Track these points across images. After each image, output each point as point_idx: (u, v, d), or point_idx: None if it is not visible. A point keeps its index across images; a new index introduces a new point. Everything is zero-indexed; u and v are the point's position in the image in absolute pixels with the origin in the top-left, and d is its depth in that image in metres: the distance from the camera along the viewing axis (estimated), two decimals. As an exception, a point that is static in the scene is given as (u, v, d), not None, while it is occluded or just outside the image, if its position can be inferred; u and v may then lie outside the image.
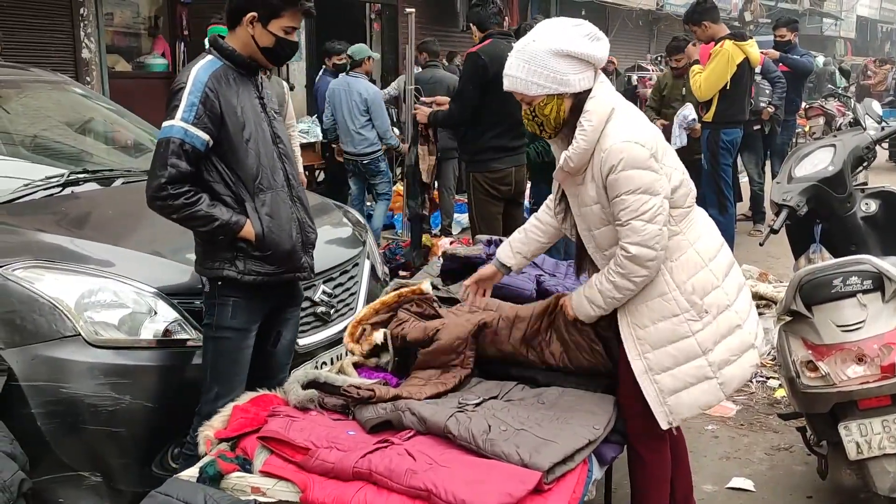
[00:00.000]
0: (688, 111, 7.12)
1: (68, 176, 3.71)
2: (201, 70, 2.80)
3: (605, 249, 2.68)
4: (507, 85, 2.64)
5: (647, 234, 2.52)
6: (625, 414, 2.76)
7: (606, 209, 2.59)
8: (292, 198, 3.01)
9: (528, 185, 5.72)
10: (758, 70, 8.25)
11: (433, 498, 2.18)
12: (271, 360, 3.13)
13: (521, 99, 2.63)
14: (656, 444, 2.83)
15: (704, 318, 2.62)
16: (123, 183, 3.89)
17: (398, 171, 8.78)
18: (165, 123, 2.75)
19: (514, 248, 3.01)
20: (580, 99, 2.58)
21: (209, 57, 2.87)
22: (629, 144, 2.51)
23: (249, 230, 2.84)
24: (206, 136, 2.76)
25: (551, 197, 2.95)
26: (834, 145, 3.70)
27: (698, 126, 7.15)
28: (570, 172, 2.64)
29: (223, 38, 2.92)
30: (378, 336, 3.19)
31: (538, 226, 3.00)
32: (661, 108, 7.73)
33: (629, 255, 2.55)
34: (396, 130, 8.24)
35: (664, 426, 2.67)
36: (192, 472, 2.47)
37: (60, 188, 3.64)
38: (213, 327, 2.91)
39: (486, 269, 3.06)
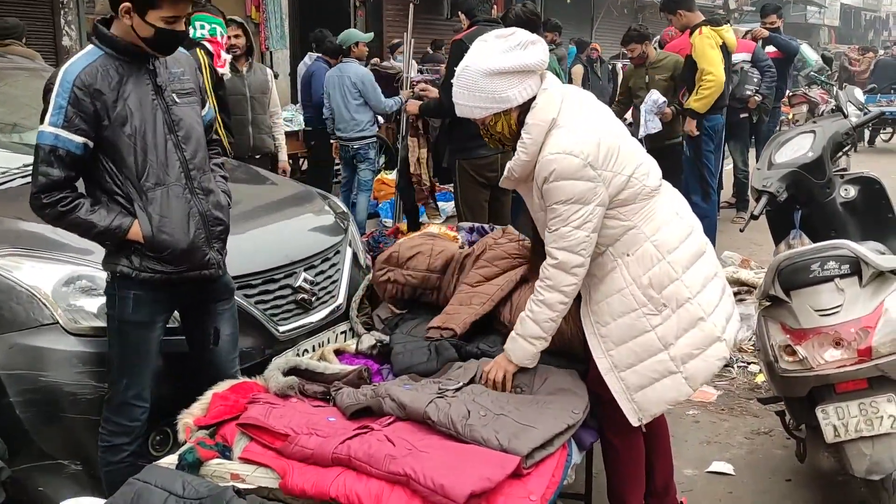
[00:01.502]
0: (655, 96, 7.12)
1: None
2: (71, 67, 2.60)
3: None
4: (458, 112, 2.72)
5: (574, 240, 2.54)
6: (594, 404, 2.75)
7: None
8: (192, 190, 2.79)
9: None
10: (748, 58, 8.30)
11: (412, 483, 2.18)
12: (216, 357, 3.00)
13: (474, 121, 2.70)
14: (626, 432, 2.83)
15: (663, 312, 2.61)
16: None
17: (383, 159, 8.77)
18: (39, 128, 2.60)
19: None
20: (526, 108, 2.61)
21: (89, 47, 2.68)
22: (561, 156, 2.53)
23: (137, 232, 2.69)
24: (80, 139, 2.58)
25: None
26: (814, 131, 3.71)
27: (668, 110, 7.15)
28: (516, 180, 2.69)
29: (110, 22, 2.69)
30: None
31: None
32: (630, 100, 7.74)
33: (556, 262, 2.58)
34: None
35: (634, 423, 2.67)
36: (171, 460, 2.47)
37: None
38: (115, 320, 2.78)
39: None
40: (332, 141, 7.76)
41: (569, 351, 2.93)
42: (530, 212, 2.81)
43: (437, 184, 6.07)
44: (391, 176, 8.31)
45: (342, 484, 2.26)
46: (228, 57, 5.92)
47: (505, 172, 2.71)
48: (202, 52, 5.20)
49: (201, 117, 2.92)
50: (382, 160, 8.83)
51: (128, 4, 2.58)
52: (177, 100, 2.79)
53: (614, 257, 2.66)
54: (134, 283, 2.74)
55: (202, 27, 5.64)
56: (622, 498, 2.95)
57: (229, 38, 5.91)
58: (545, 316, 2.63)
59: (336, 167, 8.49)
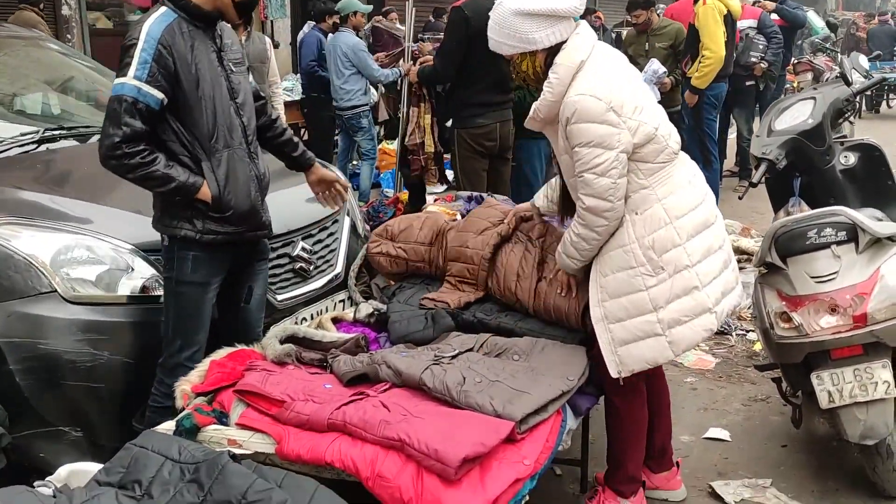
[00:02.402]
0: (656, 66, 7.07)
1: (43, 132, 3.68)
2: (154, 24, 2.69)
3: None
4: (490, 46, 2.77)
5: (600, 187, 2.57)
6: (599, 365, 2.79)
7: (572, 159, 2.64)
8: (250, 154, 2.93)
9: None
10: (754, 24, 8.21)
11: (406, 448, 2.20)
12: (245, 316, 3.11)
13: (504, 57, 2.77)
14: (631, 395, 2.87)
15: (659, 275, 2.63)
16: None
17: (380, 129, 8.74)
18: (117, 81, 2.65)
19: (543, 192, 3.18)
20: (553, 52, 2.62)
21: (163, 9, 2.76)
22: (584, 98, 2.54)
23: (206, 192, 2.78)
24: (160, 95, 2.67)
25: None
26: (814, 98, 3.69)
27: (668, 80, 7.12)
28: (541, 121, 2.71)
29: None
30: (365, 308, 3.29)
31: None
32: None
33: (586, 207, 2.62)
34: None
35: (614, 374, 2.71)
36: (168, 426, 2.50)
37: (36, 145, 3.61)
38: (173, 281, 2.86)
39: (522, 205, 3.31)
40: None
41: (566, 325, 2.95)
42: (556, 156, 2.84)
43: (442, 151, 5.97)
44: (392, 146, 8.29)
45: (337, 449, 2.28)
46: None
47: (530, 113, 2.73)
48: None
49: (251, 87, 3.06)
50: (380, 130, 8.80)
51: None
52: (233, 68, 2.92)
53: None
54: (195, 244, 2.83)
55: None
56: (621, 461, 2.97)
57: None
58: (581, 246, 2.71)
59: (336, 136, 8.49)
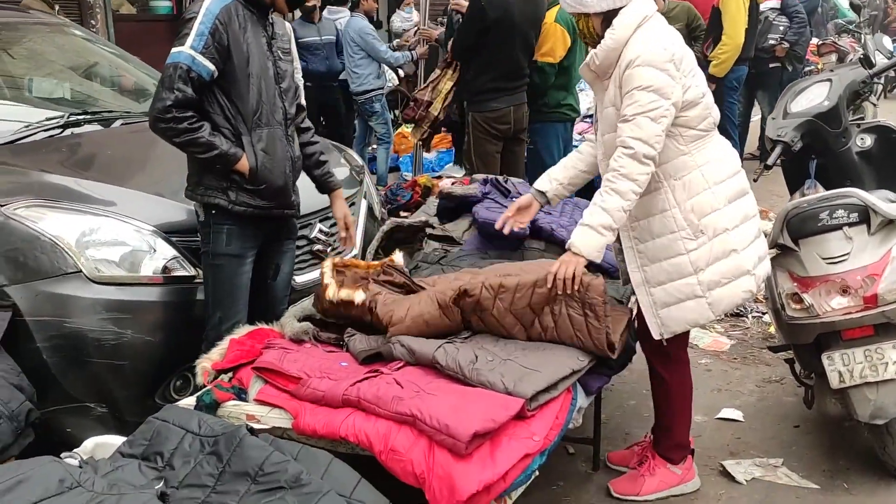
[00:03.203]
0: None
1: (68, 117, 3.76)
2: (214, 2, 2.87)
3: (609, 157, 2.72)
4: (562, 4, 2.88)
5: (651, 132, 2.61)
6: (641, 336, 2.93)
7: (619, 109, 2.70)
8: (287, 137, 3.09)
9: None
10: (777, 6, 8.14)
11: (418, 423, 2.26)
12: (271, 292, 3.25)
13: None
14: (675, 365, 2.99)
15: (700, 239, 2.74)
16: (123, 124, 3.94)
17: (398, 112, 8.79)
18: (174, 49, 2.83)
19: (551, 175, 3.06)
20: (608, 18, 2.72)
21: None
22: (651, 44, 2.65)
23: (244, 164, 2.94)
24: (212, 67, 2.84)
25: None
26: (830, 80, 3.68)
27: None
28: (595, 71, 2.78)
29: None
30: (359, 296, 3.20)
31: (579, 155, 3.09)
32: None
33: (631, 152, 2.62)
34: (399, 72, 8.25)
35: (656, 336, 2.82)
36: (189, 401, 2.58)
37: (61, 129, 3.69)
38: (210, 255, 3.02)
39: (522, 199, 3.08)
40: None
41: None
42: (597, 112, 2.89)
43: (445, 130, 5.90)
44: (410, 129, 8.33)
45: (351, 424, 2.35)
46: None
47: (587, 59, 2.80)
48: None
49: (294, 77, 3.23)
50: (398, 112, 8.85)
51: None
52: (281, 56, 3.11)
53: (661, 179, 2.76)
54: (229, 216, 2.99)
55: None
56: (669, 427, 3.06)
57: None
58: (617, 204, 2.63)
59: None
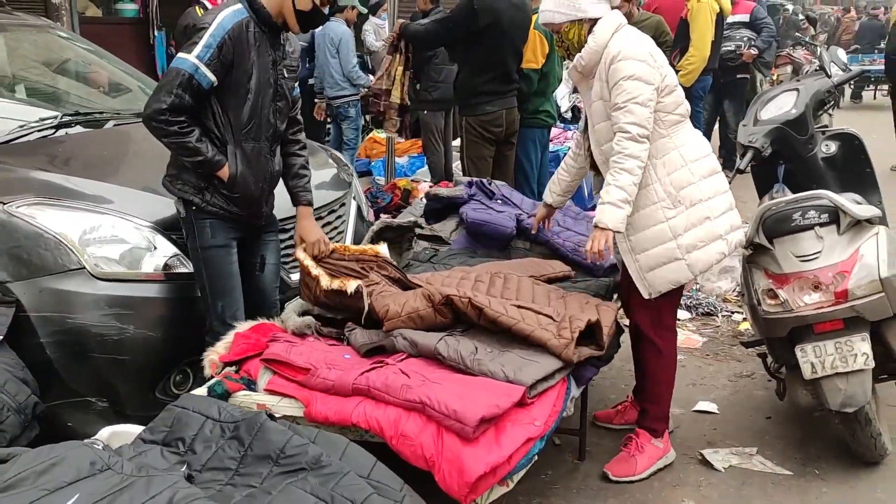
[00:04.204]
0: None
1: (62, 118, 3.80)
2: (227, 17, 2.95)
3: (602, 144, 3.16)
4: (540, 20, 3.23)
5: (642, 115, 2.98)
6: (633, 310, 3.29)
7: (607, 102, 3.05)
8: (271, 153, 3.19)
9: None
10: (746, 19, 8.42)
11: (427, 409, 2.38)
12: (261, 285, 3.33)
13: (552, 30, 3.23)
14: (665, 331, 3.30)
15: (678, 208, 3.08)
16: (115, 125, 3.99)
17: (368, 118, 8.86)
18: (181, 55, 2.91)
19: (550, 189, 3.63)
20: (594, 24, 3.09)
21: (238, 6, 2.99)
22: (630, 42, 3.04)
23: (225, 171, 3.04)
24: (213, 78, 2.93)
25: (576, 142, 3.53)
26: (797, 89, 3.87)
27: None
28: (581, 72, 3.13)
29: None
30: (352, 286, 3.26)
31: (564, 167, 3.58)
32: None
33: (629, 135, 2.97)
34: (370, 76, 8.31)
35: (645, 296, 3.16)
36: (200, 392, 2.65)
37: (54, 129, 3.73)
38: (198, 249, 3.10)
39: (538, 213, 3.70)
40: (315, 101, 7.90)
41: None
42: (585, 108, 3.27)
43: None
44: (383, 134, 8.41)
45: (362, 411, 2.45)
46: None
47: (573, 62, 3.15)
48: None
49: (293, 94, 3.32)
50: (369, 118, 8.92)
51: None
52: (286, 74, 3.20)
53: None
54: (206, 212, 3.08)
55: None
56: (658, 397, 3.34)
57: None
58: (628, 180, 2.98)
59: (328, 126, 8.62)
